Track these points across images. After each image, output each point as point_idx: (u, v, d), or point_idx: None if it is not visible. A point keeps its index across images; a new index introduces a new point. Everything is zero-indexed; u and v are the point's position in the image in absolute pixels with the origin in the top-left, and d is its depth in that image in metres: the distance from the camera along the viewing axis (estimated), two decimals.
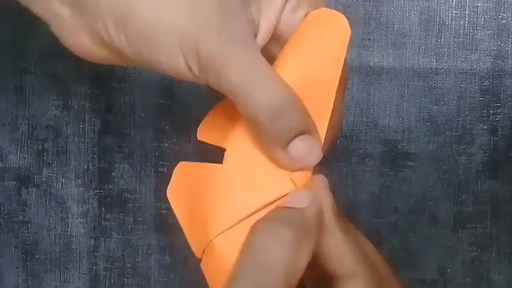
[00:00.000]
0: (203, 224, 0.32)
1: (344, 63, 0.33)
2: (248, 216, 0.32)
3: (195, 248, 0.33)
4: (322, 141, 0.32)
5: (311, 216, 0.31)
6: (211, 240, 0.32)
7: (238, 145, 0.32)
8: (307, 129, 0.32)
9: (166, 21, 0.30)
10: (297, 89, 0.32)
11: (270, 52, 0.34)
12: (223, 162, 0.33)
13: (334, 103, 0.33)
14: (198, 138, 0.34)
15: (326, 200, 0.32)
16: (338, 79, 0.33)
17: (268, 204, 0.32)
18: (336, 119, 0.34)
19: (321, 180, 0.33)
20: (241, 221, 0.32)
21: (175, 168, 0.33)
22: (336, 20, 0.33)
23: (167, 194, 0.34)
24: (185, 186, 0.33)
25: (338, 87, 0.33)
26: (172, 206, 0.33)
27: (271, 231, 0.30)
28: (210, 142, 0.34)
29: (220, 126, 0.34)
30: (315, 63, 0.33)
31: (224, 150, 0.33)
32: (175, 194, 0.34)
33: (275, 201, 0.32)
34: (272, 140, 0.31)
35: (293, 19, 0.34)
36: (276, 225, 0.30)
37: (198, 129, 0.34)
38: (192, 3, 0.31)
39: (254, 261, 0.29)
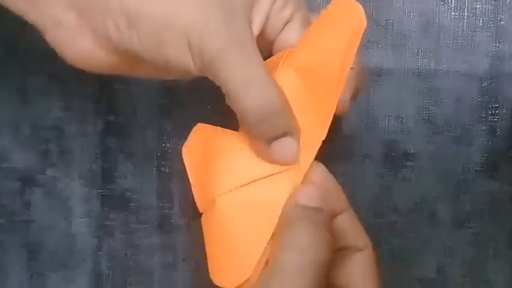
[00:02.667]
0: (210, 182, 0.34)
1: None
2: (250, 182, 0.34)
3: (199, 203, 0.35)
4: (329, 121, 0.34)
5: (327, 214, 0.33)
6: (214, 199, 0.34)
7: None
8: (289, 132, 0.33)
9: (176, 19, 0.31)
10: (308, 73, 0.34)
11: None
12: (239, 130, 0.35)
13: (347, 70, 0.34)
14: None
15: (333, 190, 0.35)
16: (349, 66, 0.33)
17: (270, 175, 0.34)
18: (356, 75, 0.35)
19: (321, 171, 0.35)
20: (244, 185, 0.34)
21: (194, 128, 0.36)
22: (353, 8, 0.34)
23: (182, 150, 0.36)
24: (199, 146, 0.36)
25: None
26: (184, 162, 0.36)
27: (310, 227, 0.32)
28: None
29: None
30: (329, 50, 0.34)
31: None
32: (189, 151, 0.36)
33: (277, 173, 0.34)
34: (256, 136, 0.33)
35: (279, 19, 0.36)
36: (306, 223, 0.32)
37: None
38: (197, 2, 0.31)
39: (293, 259, 0.31)
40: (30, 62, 0.45)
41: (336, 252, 0.35)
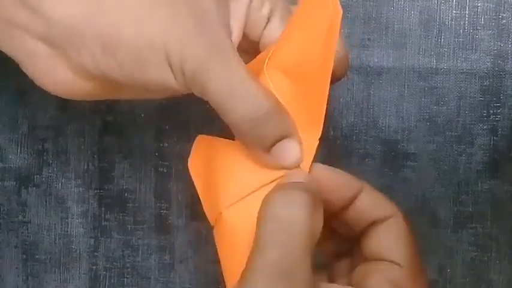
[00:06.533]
0: (216, 194, 0.34)
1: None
2: (255, 190, 0.33)
3: (210, 216, 0.35)
4: (322, 119, 0.33)
5: (314, 188, 0.32)
6: (220, 212, 0.34)
7: None
8: (287, 134, 0.33)
9: (152, 38, 0.31)
10: (293, 72, 0.33)
11: (242, 50, 0.35)
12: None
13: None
14: None
15: (336, 177, 0.34)
16: (332, 58, 0.33)
17: (274, 180, 0.33)
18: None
19: (317, 168, 0.34)
20: (249, 194, 0.33)
21: (195, 140, 0.36)
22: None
23: (188, 164, 0.36)
24: (203, 157, 0.35)
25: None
26: (191, 176, 0.35)
27: (287, 197, 0.31)
28: None
29: None
30: (309, 45, 0.33)
31: None
32: (194, 164, 0.36)
33: (279, 178, 0.33)
34: (253, 146, 0.33)
35: (259, 18, 0.35)
36: (290, 192, 0.31)
37: None
38: (171, 16, 0.31)
39: (275, 229, 0.30)
40: None
41: (368, 227, 0.35)
